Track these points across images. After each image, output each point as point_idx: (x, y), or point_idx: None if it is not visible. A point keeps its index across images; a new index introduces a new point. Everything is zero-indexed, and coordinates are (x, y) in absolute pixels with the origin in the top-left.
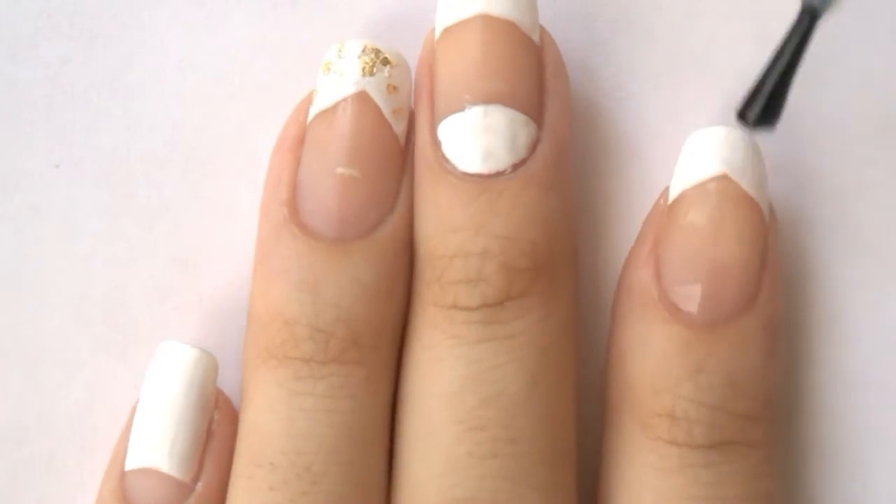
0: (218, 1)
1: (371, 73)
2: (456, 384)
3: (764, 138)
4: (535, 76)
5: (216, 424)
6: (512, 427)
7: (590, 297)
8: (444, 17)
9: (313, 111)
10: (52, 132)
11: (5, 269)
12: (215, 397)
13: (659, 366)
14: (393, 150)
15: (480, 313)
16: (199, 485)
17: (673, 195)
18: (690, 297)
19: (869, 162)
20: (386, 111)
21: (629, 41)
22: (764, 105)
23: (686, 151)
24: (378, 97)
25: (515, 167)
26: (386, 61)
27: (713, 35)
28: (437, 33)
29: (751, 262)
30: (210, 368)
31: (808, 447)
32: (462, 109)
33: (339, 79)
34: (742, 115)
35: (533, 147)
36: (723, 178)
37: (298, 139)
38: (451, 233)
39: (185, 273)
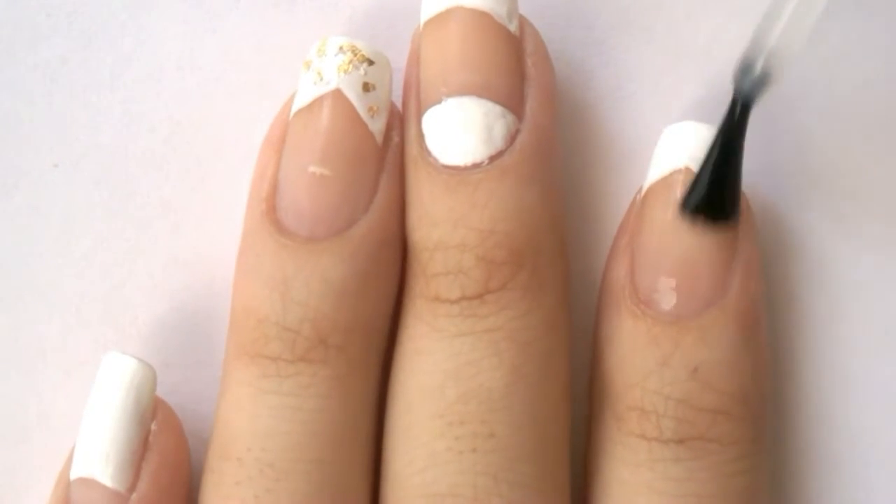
0: (217, 1)
1: (347, 72)
2: (437, 378)
3: (764, 139)
4: (513, 67)
5: (153, 436)
6: (491, 422)
7: (588, 298)
8: (426, 11)
9: (293, 109)
10: (51, 131)
11: (5, 269)
12: (154, 408)
13: (629, 359)
14: (367, 149)
15: (460, 306)
16: (134, 495)
17: (643, 191)
18: (658, 291)
19: (869, 162)
20: (361, 109)
21: (628, 41)
22: (705, 196)
23: (656, 148)
24: (353, 95)
25: (492, 159)
26: (364, 59)
27: (713, 35)
28: (421, 27)
29: (716, 256)
30: (147, 380)
31: (808, 448)
32: (439, 102)
33: (317, 77)
34: (683, 206)
35: (511, 138)
36: (684, 172)
37: (282, 137)
38: (432, 225)
39: (185, 273)
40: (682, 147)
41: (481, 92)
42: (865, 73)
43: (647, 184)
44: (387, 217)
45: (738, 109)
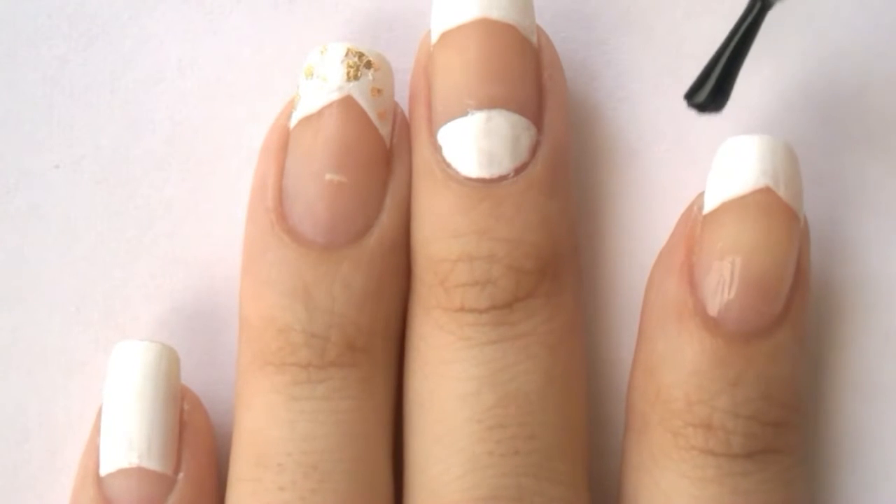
0: (218, 1)
1: (356, 78)
2: (472, 385)
3: None
4: (534, 79)
5: (187, 414)
6: (530, 424)
7: (591, 298)
8: (441, 22)
9: (297, 116)
10: (51, 132)
11: (5, 269)
12: (181, 388)
13: (694, 378)
14: (379, 154)
15: (489, 315)
16: (181, 475)
17: (710, 205)
18: (726, 310)
19: (869, 162)
20: (372, 115)
21: (630, 42)
22: (711, 90)
23: (724, 159)
24: (363, 101)
25: (517, 171)
26: (369, 64)
27: (713, 35)
28: (434, 37)
29: (786, 275)
30: (173, 360)
31: (811, 447)
32: (464, 114)
33: (323, 83)
34: (689, 98)
35: (534, 150)
36: (764, 191)
37: (282, 144)
38: (453, 237)
39: (185, 273)
40: (758, 163)
41: (509, 105)
42: (865, 73)
43: (714, 198)
44: (397, 221)
45: (755, 9)
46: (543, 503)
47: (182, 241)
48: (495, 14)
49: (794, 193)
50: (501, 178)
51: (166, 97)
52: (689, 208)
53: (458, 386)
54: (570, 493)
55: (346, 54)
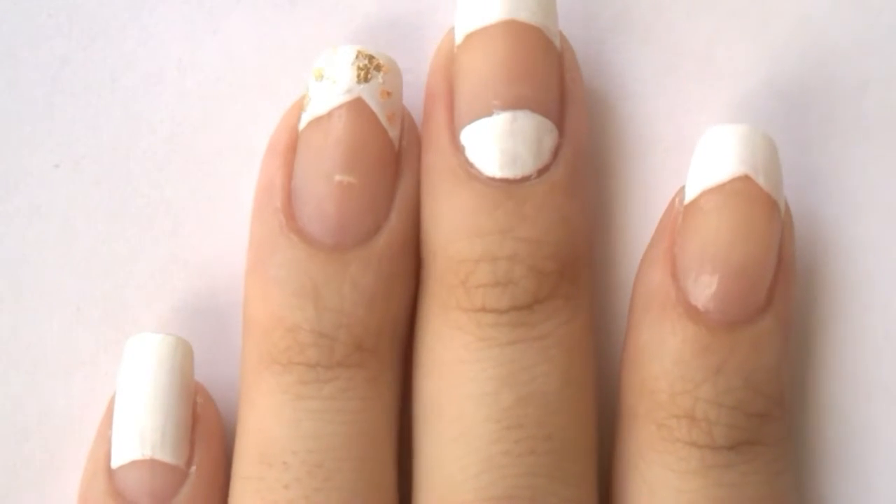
0: (218, 1)
1: (366, 80)
2: (490, 385)
3: None
4: (557, 82)
5: (200, 408)
6: (548, 425)
7: (595, 297)
8: (467, 23)
9: (306, 118)
10: (51, 132)
11: (5, 269)
12: (194, 383)
13: (677, 367)
14: (389, 156)
15: (510, 316)
16: (193, 469)
17: (690, 195)
18: (708, 299)
19: (869, 162)
20: (381, 117)
21: (630, 42)
22: None
23: (703, 149)
24: (373, 103)
25: (540, 172)
26: (379, 67)
27: (713, 35)
28: (459, 38)
29: (768, 263)
30: (187, 353)
31: (807, 445)
32: (490, 114)
33: (333, 86)
34: None
35: (556, 152)
36: (743, 179)
37: (290, 145)
38: (475, 237)
39: (185, 273)
40: (737, 151)
41: (533, 106)
42: (865, 73)
43: (693, 188)
44: (406, 222)
45: None
46: (557, 503)
47: (182, 241)
48: (523, 16)
49: (774, 182)
50: (524, 179)
51: (166, 97)
52: (672, 200)
53: (475, 386)
54: (581, 494)
55: (356, 57)
